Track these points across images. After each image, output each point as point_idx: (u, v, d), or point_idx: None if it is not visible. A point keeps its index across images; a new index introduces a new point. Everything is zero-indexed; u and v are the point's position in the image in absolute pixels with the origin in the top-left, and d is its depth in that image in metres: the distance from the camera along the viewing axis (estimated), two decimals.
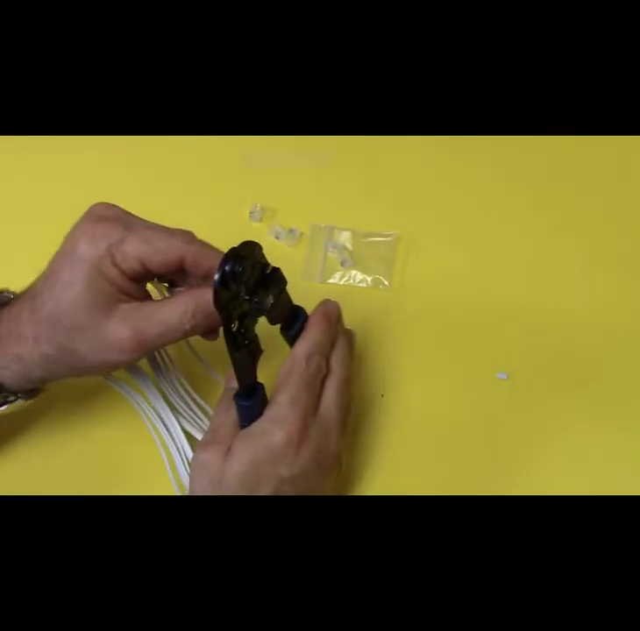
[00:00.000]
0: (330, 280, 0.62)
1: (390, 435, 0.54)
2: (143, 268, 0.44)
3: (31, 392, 0.48)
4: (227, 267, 0.41)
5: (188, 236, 0.45)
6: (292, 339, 0.48)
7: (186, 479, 0.50)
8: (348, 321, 0.59)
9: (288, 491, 0.44)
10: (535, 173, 0.67)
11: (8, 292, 0.49)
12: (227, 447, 0.44)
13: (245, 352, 0.44)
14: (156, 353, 0.51)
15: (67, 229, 0.63)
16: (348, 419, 0.49)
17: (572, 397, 0.55)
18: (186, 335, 0.45)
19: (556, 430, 0.54)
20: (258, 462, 0.43)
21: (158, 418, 0.51)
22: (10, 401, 0.47)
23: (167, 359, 0.52)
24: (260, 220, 0.64)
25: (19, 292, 0.48)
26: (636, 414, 0.55)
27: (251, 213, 0.64)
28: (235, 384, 0.46)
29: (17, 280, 0.61)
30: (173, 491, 0.51)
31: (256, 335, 0.45)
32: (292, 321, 0.48)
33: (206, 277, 0.45)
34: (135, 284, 0.45)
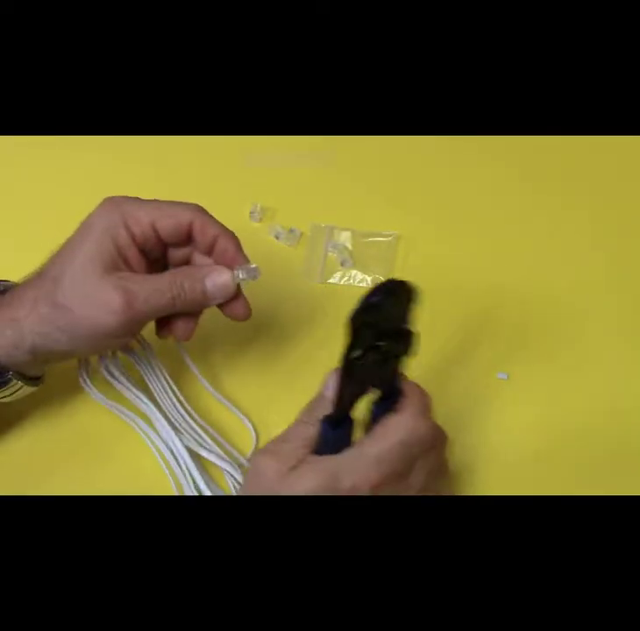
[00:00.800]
0: (330, 280, 0.62)
1: None
2: (154, 233, 0.46)
3: (33, 380, 0.49)
4: (377, 294, 0.39)
5: (197, 206, 0.47)
6: (377, 414, 0.43)
7: (182, 479, 0.51)
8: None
9: None
10: (535, 173, 0.67)
11: (9, 282, 0.50)
12: (293, 463, 0.41)
13: (357, 381, 0.41)
14: (145, 359, 0.52)
15: (67, 227, 0.63)
16: None
17: (573, 397, 0.55)
18: (172, 304, 0.46)
19: (556, 430, 0.54)
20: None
21: (158, 436, 0.52)
22: (8, 380, 0.47)
23: (158, 368, 0.53)
24: (260, 220, 0.64)
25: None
26: (638, 414, 0.55)
27: (251, 213, 0.64)
28: (328, 397, 0.43)
29: (17, 278, 0.61)
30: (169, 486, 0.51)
31: (378, 372, 0.41)
32: (388, 393, 0.43)
33: (210, 247, 0.47)
34: (140, 254, 0.46)
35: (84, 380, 0.53)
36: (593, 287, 0.60)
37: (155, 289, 0.45)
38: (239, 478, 0.50)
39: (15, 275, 0.61)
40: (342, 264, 0.62)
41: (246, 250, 0.52)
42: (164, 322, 0.49)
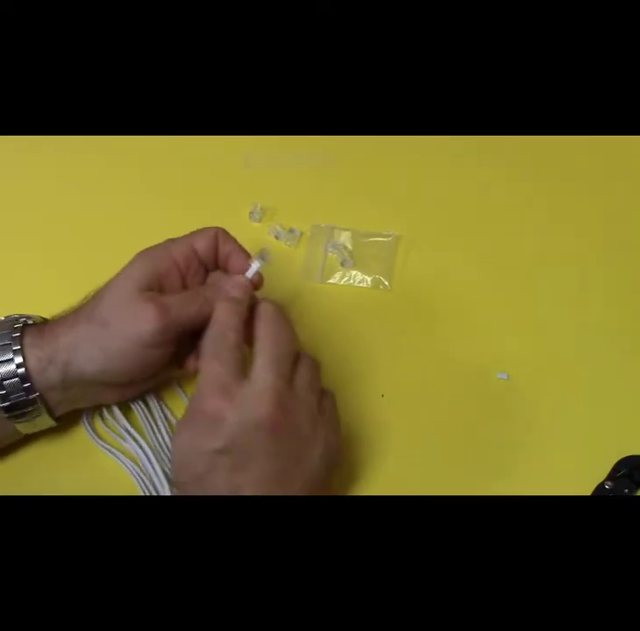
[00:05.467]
0: (330, 280, 0.62)
1: (390, 435, 0.54)
2: (194, 253, 0.50)
3: (56, 419, 0.50)
4: None
5: (219, 227, 0.51)
6: None
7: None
8: (347, 321, 0.59)
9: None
10: (535, 172, 0.67)
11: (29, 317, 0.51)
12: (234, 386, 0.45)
13: None
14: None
15: (66, 228, 0.64)
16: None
17: (573, 397, 0.56)
18: (200, 310, 0.48)
19: (556, 430, 0.54)
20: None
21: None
22: (34, 400, 0.47)
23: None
24: (260, 220, 0.64)
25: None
26: (637, 414, 0.55)
27: (251, 213, 0.64)
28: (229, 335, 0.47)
29: (15, 279, 0.61)
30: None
31: None
32: None
33: (227, 259, 0.51)
34: (181, 281, 0.50)
35: (85, 424, 0.54)
36: (594, 287, 0.61)
37: (184, 298, 0.48)
38: None
39: (13, 276, 0.61)
40: (342, 264, 0.62)
41: (246, 250, 0.52)
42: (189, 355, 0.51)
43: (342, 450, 0.48)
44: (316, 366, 0.48)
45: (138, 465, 0.52)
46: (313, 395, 0.46)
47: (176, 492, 0.46)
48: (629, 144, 0.66)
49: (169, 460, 0.52)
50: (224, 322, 0.47)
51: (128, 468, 0.52)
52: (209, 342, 0.46)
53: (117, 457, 0.52)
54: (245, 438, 0.43)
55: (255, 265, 0.50)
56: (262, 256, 0.50)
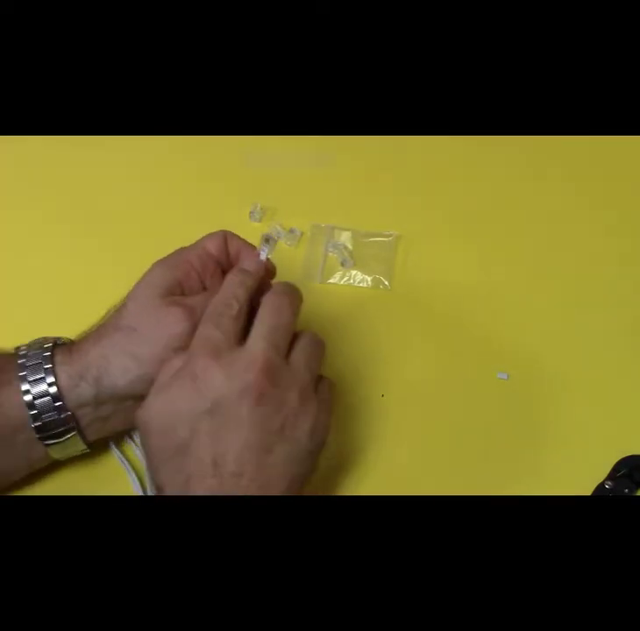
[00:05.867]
0: (330, 280, 0.62)
1: (390, 435, 0.54)
2: (207, 254, 0.50)
3: (88, 444, 0.49)
4: None
5: (224, 231, 0.51)
6: None
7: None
8: (347, 321, 0.59)
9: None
10: (535, 172, 0.67)
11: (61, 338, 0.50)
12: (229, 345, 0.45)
13: None
14: None
15: (66, 228, 0.64)
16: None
17: (573, 397, 0.56)
18: None
19: (556, 431, 0.54)
20: None
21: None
22: (64, 426, 0.47)
23: None
24: (260, 220, 0.64)
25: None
26: (638, 414, 0.55)
27: (251, 213, 0.64)
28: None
29: (15, 279, 0.61)
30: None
31: None
32: None
33: (237, 257, 0.51)
34: (200, 285, 0.49)
35: (112, 447, 0.53)
36: (594, 287, 0.60)
37: (207, 298, 0.47)
38: None
39: (12, 277, 0.61)
40: (342, 264, 0.62)
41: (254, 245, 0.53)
42: None
43: (329, 430, 0.46)
44: (319, 348, 0.47)
45: (141, 481, 0.52)
46: (308, 373, 0.45)
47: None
48: (629, 144, 0.66)
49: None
50: (229, 292, 0.46)
51: (135, 484, 0.52)
52: (211, 308, 0.45)
53: (130, 475, 0.52)
54: (230, 403, 0.42)
55: (263, 252, 0.50)
56: (266, 240, 0.50)
